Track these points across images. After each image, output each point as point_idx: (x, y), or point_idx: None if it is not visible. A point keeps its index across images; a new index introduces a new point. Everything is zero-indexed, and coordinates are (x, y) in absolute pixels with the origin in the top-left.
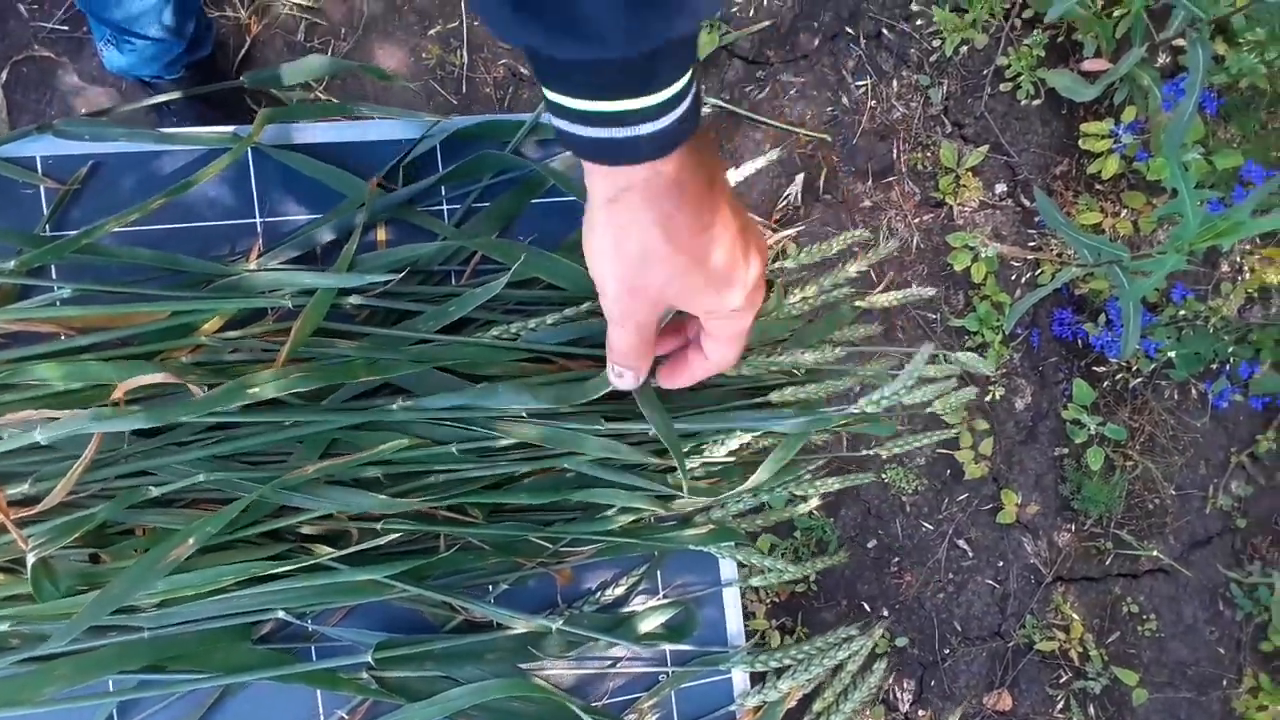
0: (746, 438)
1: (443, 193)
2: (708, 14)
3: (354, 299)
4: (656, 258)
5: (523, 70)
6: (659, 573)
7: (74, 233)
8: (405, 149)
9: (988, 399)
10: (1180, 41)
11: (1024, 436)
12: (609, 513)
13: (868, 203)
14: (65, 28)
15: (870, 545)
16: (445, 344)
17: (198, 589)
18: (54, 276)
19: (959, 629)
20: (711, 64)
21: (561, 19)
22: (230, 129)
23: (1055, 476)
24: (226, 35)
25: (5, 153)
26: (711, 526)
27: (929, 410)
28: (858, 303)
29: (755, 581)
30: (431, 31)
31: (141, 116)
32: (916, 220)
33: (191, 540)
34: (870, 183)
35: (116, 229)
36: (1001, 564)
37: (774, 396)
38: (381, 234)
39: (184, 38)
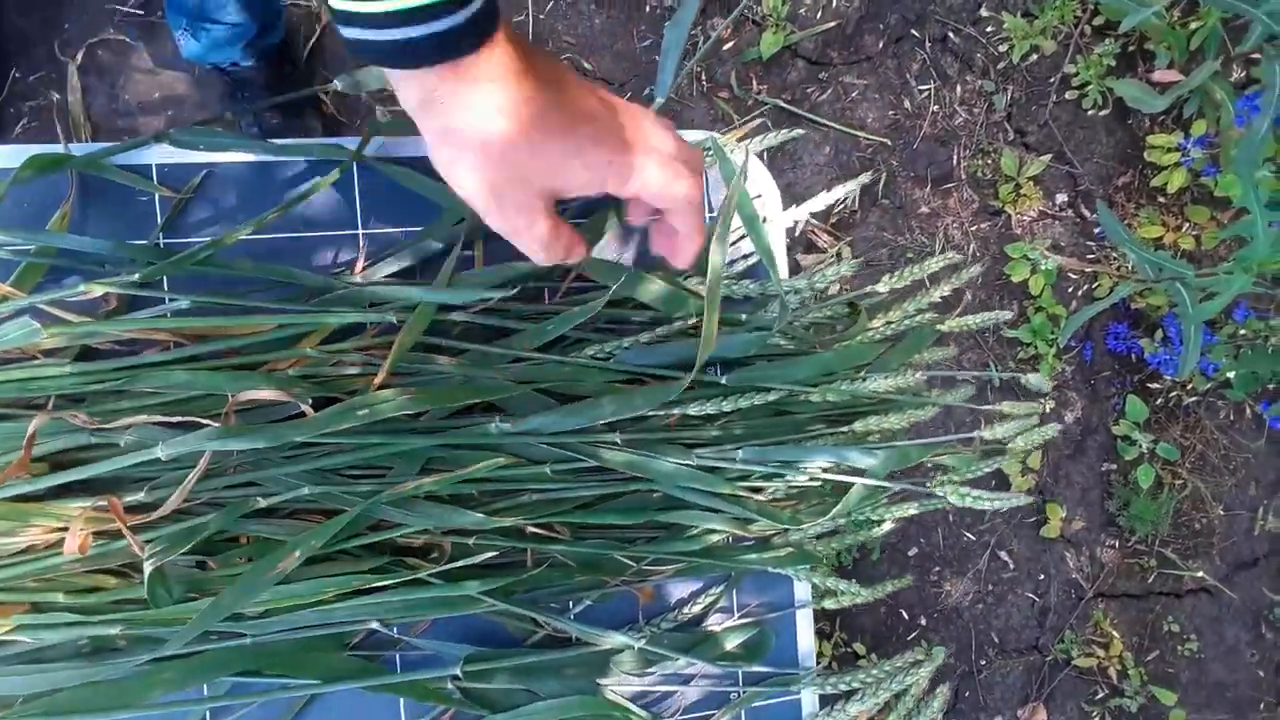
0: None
1: None
2: None
3: (454, 315)
4: (502, 147)
5: (586, 65)
6: (735, 592)
7: (188, 241)
8: None
9: (1039, 410)
10: (1257, 56)
11: (1072, 450)
12: (691, 533)
13: (925, 209)
14: (140, 11)
15: (911, 553)
16: (541, 363)
17: (302, 599)
18: (165, 285)
19: (996, 640)
20: (774, 64)
21: None
22: (337, 140)
23: (1102, 492)
24: (298, 23)
25: (122, 160)
26: (790, 550)
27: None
28: (939, 326)
29: (828, 604)
30: None
31: (214, 101)
32: (974, 228)
33: (297, 553)
34: (929, 189)
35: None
36: (1043, 577)
37: (857, 426)
38: (479, 250)
39: (257, 20)
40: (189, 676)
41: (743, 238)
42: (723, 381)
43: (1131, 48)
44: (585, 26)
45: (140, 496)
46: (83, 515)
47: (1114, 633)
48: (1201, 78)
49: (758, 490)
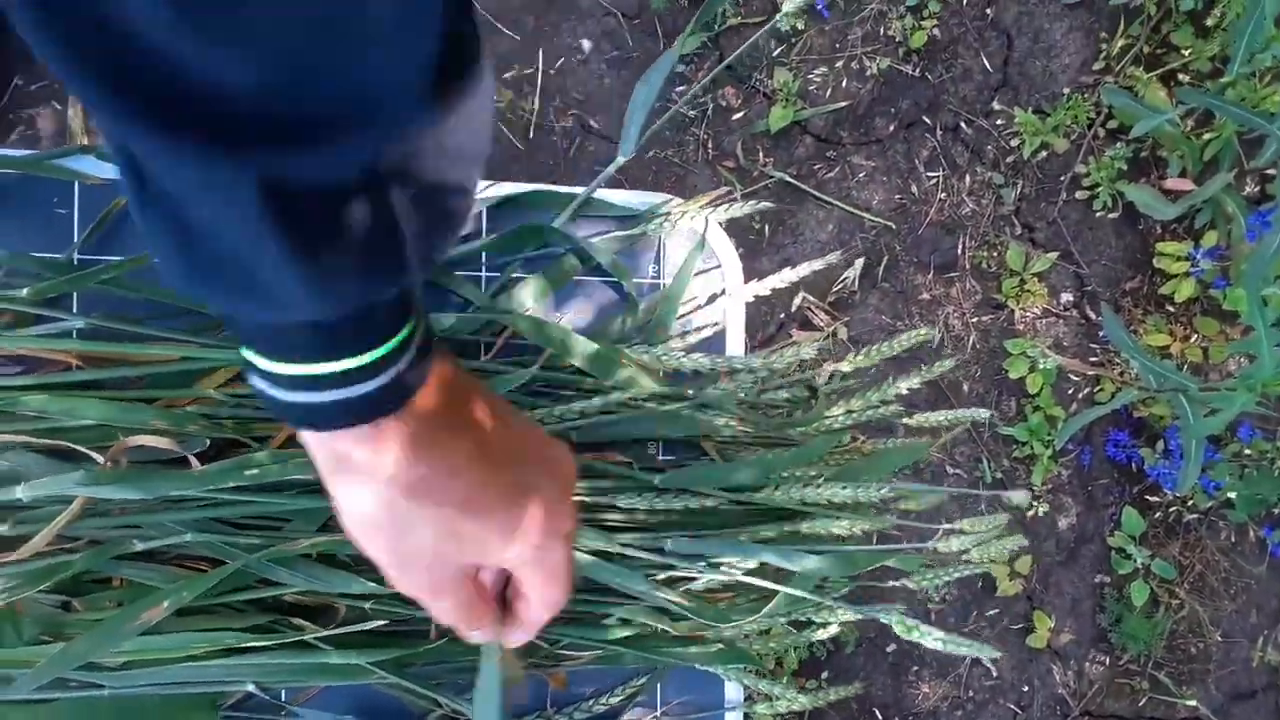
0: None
1: (482, 259)
2: (408, 281)
3: None
4: (414, 519)
5: (592, 123)
6: (659, 687)
7: (110, 259)
8: None
9: (1030, 514)
10: (1271, 172)
11: (1064, 558)
12: (609, 620)
13: (926, 296)
14: None
15: (889, 649)
16: None
17: (167, 654)
18: (75, 305)
19: None
20: (783, 138)
21: (241, 282)
22: None
23: (1094, 605)
24: None
25: (46, 170)
26: (720, 646)
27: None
28: (905, 420)
29: (760, 709)
30: (507, 75)
31: None
32: (975, 320)
33: (165, 604)
34: (931, 275)
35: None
36: (1026, 689)
37: (804, 527)
38: None
39: None
40: None
41: (699, 308)
42: (655, 483)
43: (1144, 153)
44: (594, 85)
45: (3, 530)
46: None
47: None
48: (1214, 189)
49: (687, 580)
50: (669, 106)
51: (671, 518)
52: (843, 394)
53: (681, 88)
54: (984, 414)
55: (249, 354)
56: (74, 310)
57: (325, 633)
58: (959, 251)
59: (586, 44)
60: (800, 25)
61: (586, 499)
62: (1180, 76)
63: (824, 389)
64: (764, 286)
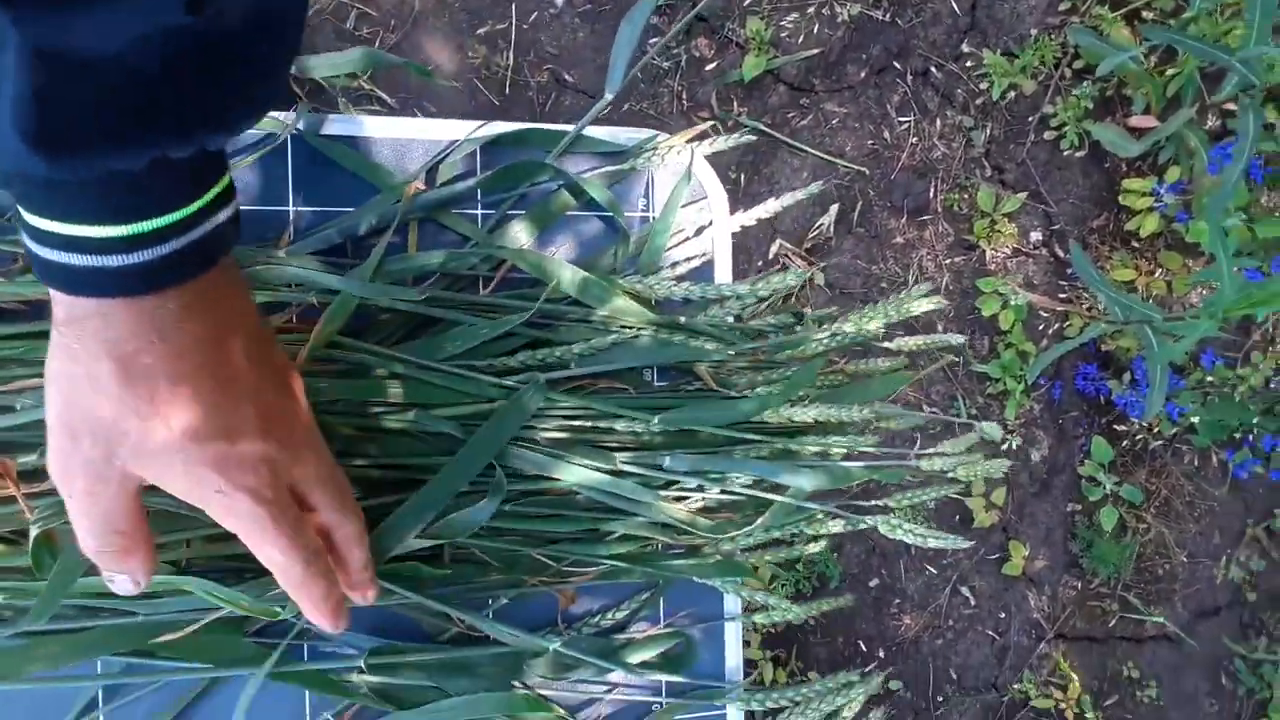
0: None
1: (478, 197)
2: (163, 147)
3: (383, 300)
4: (105, 393)
5: (567, 77)
6: (661, 601)
7: None
8: (445, 150)
9: (1004, 447)
10: (1231, 106)
11: (1037, 489)
12: (614, 536)
13: (900, 239)
14: None
15: (872, 584)
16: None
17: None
18: None
19: (954, 678)
20: (756, 87)
21: None
22: (273, 115)
23: (1065, 532)
24: None
25: None
26: (719, 559)
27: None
28: (886, 344)
29: (758, 618)
30: (480, 30)
31: None
32: (948, 261)
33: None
34: (905, 219)
35: None
36: (1003, 615)
37: (794, 445)
38: (413, 234)
39: None
40: (70, 653)
41: (686, 240)
42: (653, 423)
43: (1110, 92)
44: (569, 39)
45: (34, 459)
46: None
47: (1073, 675)
48: (1177, 125)
49: (684, 498)
50: (643, 58)
51: (668, 439)
52: (826, 320)
53: (655, 39)
54: (959, 339)
55: (19, 206)
56: None
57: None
58: (931, 195)
59: None
60: None
61: (587, 423)
62: (1145, 14)
63: (810, 316)
64: (749, 217)
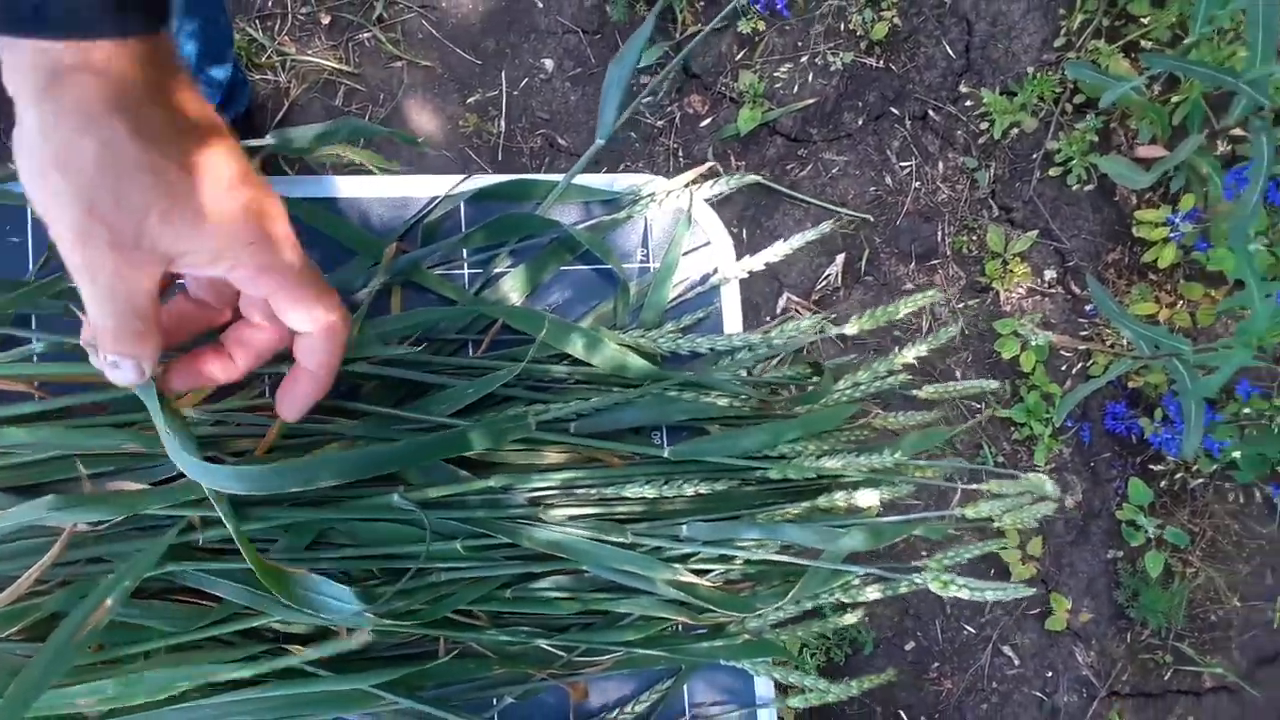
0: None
1: (464, 255)
2: None
3: (360, 367)
4: (131, 164)
5: (560, 141)
6: (685, 689)
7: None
8: (426, 207)
9: (1066, 500)
10: (1240, 131)
11: (1075, 537)
12: (629, 620)
13: (910, 285)
14: None
15: (908, 648)
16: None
17: (152, 697)
18: (33, 325)
19: None
20: (752, 140)
21: None
22: None
23: (1109, 581)
24: (265, 98)
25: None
26: (747, 638)
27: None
28: (915, 392)
29: (793, 702)
30: (470, 99)
31: None
32: (961, 305)
33: (109, 601)
34: (913, 265)
35: None
36: (1050, 674)
37: (821, 501)
38: (396, 297)
39: (218, 94)
40: None
41: (693, 289)
42: (666, 454)
43: (1113, 124)
44: (560, 103)
45: None
46: None
47: None
48: (1186, 152)
49: (705, 572)
50: (636, 119)
51: (682, 504)
52: (847, 369)
53: (648, 99)
54: (993, 384)
55: None
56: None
57: (319, 655)
58: (939, 238)
59: (549, 63)
60: (761, 26)
61: (591, 489)
62: (1143, 44)
63: (829, 365)
64: (757, 261)
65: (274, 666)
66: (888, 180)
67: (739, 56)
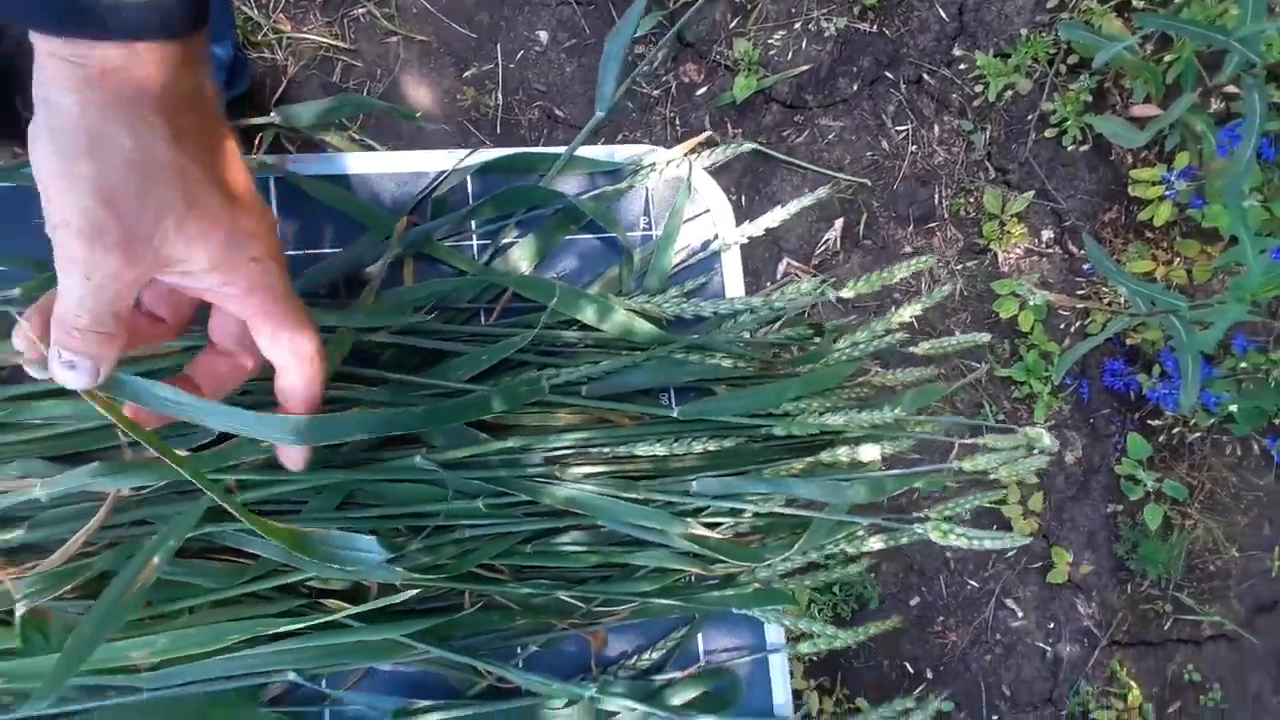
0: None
1: (472, 227)
2: None
3: (381, 337)
4: (159, 165)
5: (558, 112)
6: (699, 636)
7: None
8: (434, 181)
9: (1065, 453)
10: (1233, 88)
11: (1075, 492)
12: (644, 572)
13: (909, 248)
14: None
15: (913, 603)
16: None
17: (201, 649)
18: None
19: (1008, 694)
20: (749, 108)
21: None
22: (258, 157)
23: (1109, 534)
24: (263, 76)
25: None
26: (757, 587)
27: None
28: (912, 349)
29: (802, 648)
30: (467, 73)
31: None
32: (959, 267)
33: (155, 560)
34: (911, 228)
35: None
36: (1053, 625)
37: (824, 456)
38: (408, 270)
39: (219, 67)
40: None
41: (694, 255)
42: (675, 414)
43: (1107, 84)
44: (556, 75)
45: (20, 534)
46: None
47: (1132, 683)
48: (1180, 110)
49: (716, 525)
50: (633, 89)
51: (692, 461)
52: (846, 329)
53: (645, 68)
54: (985, 337)
55: None
56: None
57: (356, 610)
58: (936, 201)
59: (543, 35)
60: None
61: (605, 449)
62: (1134, 3)
63: (829, 326)
64: (756, 227)
65: (315, 621)
66: (884, 144)
67: (733, 24)
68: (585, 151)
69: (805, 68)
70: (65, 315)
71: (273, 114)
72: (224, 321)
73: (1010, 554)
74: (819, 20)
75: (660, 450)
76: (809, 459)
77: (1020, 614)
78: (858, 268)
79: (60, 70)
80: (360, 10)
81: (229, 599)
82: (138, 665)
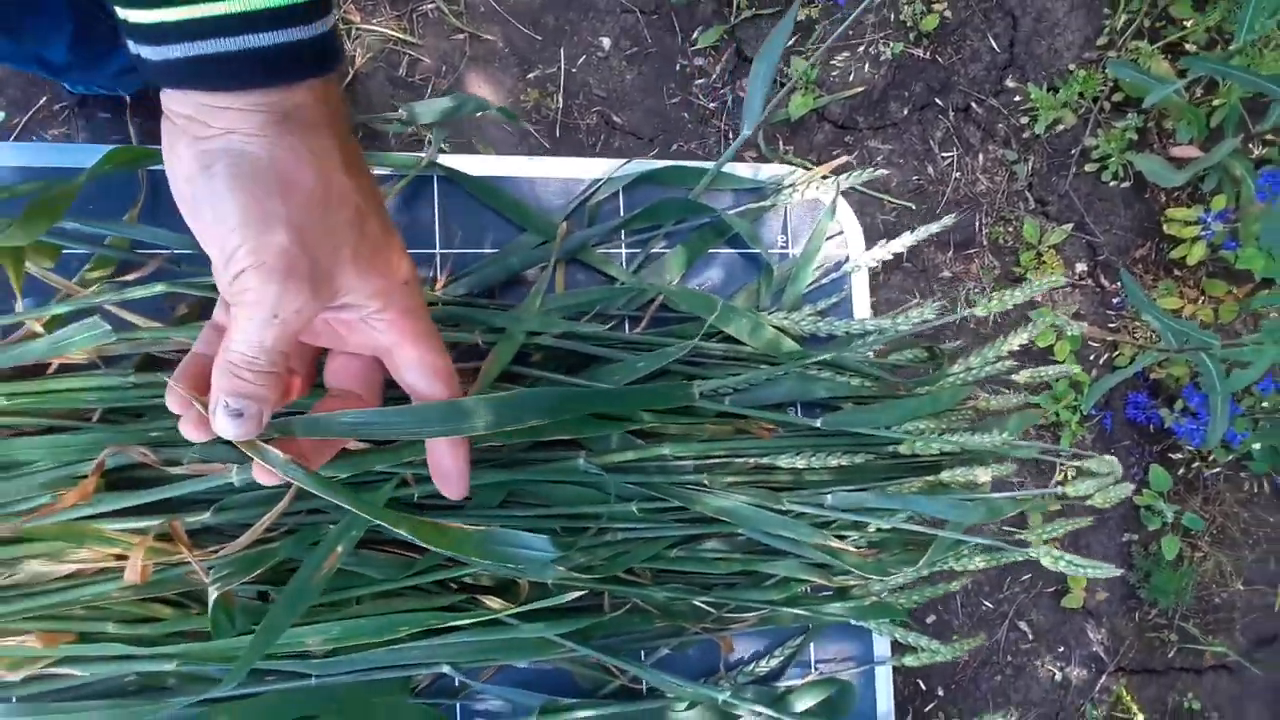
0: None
1: (622, 236)
2: None
3: (545, 340)
4: (338, 196)
5: (616, 119)
6: (811, 645)
7: None
8: (589, 188)
9: (1060, 478)
10: (1272, 136)
11: (1093, 520)
12: (771, 581)
13: (947, 273)
14: None
15: (929, 621)
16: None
17: (374, 638)
18: None
19: (1017, 715)
20: (801, 126)
21: None
22: (419, 155)
23: (1122, 563)
24: None
25: None
26: (874, 599)
27: (1085, 501)
28: (1014, 377)
29: (908, 660)
30: (530, 75)
31: None
32: (995, 294)
33: (339, 549)
34: (951, 253)
35: None
36: (1062, 649)
37: (944, 476)
38: (560, 275)
39: None
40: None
41: (826, 274)
42: (818, 425)
43: (1151, 124)
44: (616, 82)
45: (205, 518)
46: (143, 543)
47: (1136, 709)
48: (1222, 154)
49: (843, 538)
50: (689, 100)
51: (825, 475)
52: (959, 353)
53: (701, 80)
54: (1075, 369)
55: (122, 12)
56: None
57: (517, 609)
58: (976, 228)
59: (606, 41)
60: (815, 14)
61: (748, 459)
62: (1185, 47)
63: (945, 349)
64: (886, 251)
65: (480, 618)
66: (930, 170)
67: (792, 42)
68: (731, 168)
69: (859, 89)
70: (239, 359)
71: (400, 110)
72: (345, 364)
73: (1026, 578)
74: (877, 44)
75: (800, 463)
76: (927, 478)
77: (1032, 636)
78: (898, 289)
79: (241, 121)
80: (429, 5)
81: (394, 591)
82: (312, 651)
